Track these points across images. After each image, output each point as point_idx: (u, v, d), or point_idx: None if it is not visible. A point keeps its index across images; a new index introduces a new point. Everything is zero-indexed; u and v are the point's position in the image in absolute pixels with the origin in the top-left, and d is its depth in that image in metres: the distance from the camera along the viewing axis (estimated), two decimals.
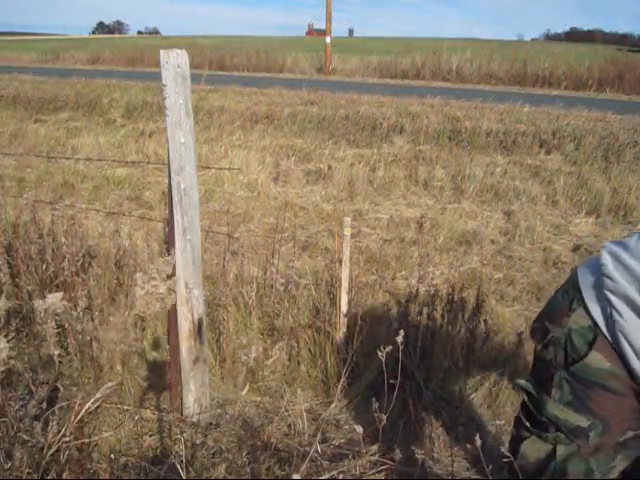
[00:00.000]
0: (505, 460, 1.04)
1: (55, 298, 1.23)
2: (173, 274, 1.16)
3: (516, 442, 1.06)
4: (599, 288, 0.94)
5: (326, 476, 1.65)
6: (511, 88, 12.60)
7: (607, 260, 0.94)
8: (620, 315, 0.90)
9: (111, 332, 2.07)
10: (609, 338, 0.93)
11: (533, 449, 1.02)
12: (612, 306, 0.91)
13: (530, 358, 2.28)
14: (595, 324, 0.94)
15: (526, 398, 1.05)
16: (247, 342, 2.30)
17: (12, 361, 1.18)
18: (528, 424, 1.03)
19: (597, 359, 0.94)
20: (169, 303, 1.28)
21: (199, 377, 1.97)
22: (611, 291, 0.92)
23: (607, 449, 0.96)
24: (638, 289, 0.88)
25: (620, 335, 0.91)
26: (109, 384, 1.55)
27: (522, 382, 1.07)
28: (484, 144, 6.75)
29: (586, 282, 0.98)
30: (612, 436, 0.96)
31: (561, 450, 0.98)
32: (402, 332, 1.13)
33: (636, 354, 0.90)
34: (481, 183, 5.28)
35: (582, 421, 0.96)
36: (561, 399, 0.99)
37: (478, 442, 1.02)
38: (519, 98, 8.96)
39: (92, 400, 1.39)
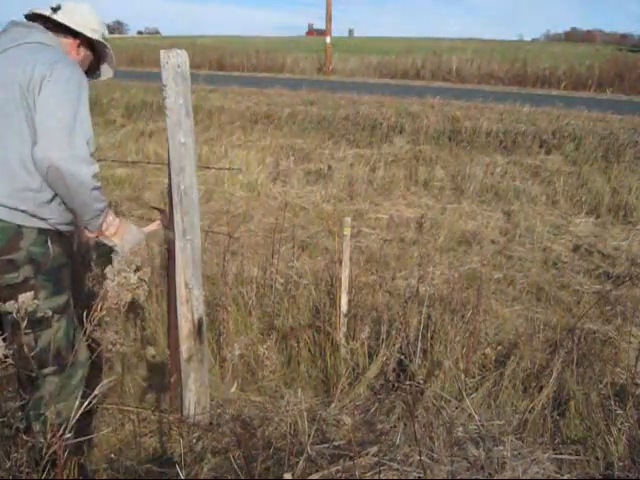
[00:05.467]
0: None
1: (25, 298, 1.25)
2: (142, 265, 1.18)
3: None
4: None
5: (325, 476, 1.65)
6: (511, 88, 12.60)
7: None
8: None
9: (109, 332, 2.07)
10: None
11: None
12: None
13: (530, 357, 2.28)
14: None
15: None
16: (248, 342, 2.30)
17: (9, 360, 1.18)
18: None
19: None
20: (141, 294, 1.29)
21: (199, 377, 1.97)
22: None
23: None
24: None
25: None
26: (105, 381, 1.55)
27: None
28: (484, 144, 6.75)
29: None
30: None
31: None
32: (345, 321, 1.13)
33: None
34: (481, 183, 5.28)
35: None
36: None
37: None
38: (519, 98, 8.96)
39: (90, 397, 1.39)
